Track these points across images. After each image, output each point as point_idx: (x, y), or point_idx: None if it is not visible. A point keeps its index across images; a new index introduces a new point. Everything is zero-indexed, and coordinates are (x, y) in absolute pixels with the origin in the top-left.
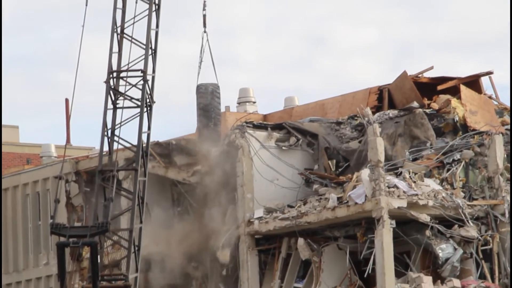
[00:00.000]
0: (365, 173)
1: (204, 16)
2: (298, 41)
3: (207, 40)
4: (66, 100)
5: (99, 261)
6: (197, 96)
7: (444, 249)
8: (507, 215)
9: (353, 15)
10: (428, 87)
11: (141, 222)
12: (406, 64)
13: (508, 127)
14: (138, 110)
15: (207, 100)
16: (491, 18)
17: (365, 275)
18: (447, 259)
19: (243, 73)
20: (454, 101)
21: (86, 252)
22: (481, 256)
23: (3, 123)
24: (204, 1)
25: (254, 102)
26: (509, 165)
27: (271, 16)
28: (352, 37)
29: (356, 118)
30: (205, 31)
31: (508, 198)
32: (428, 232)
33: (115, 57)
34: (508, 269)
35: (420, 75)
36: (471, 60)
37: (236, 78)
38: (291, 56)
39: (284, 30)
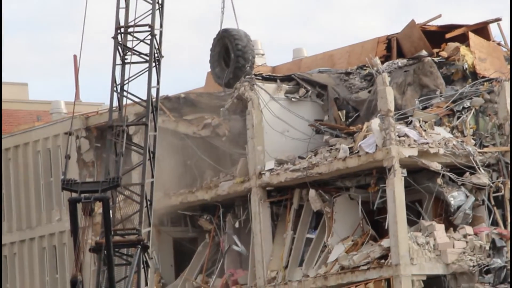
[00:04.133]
0: (375, 122)
1: None
2: None
3: None
4: (74, 57)
5: (111, 216)
6: (230, 39)
7: (456, 197)
8: None
9: None
10: (436, 36)
11: (152, 176)
12: (409, 16)
13: None
14: (147, 65)
15: (243, 42)
16: None
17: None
18: (459, 207)
19: (247, 28)
20: (463, 49)
21: (98, 207)
22: (493, 203)
23: (11, 81)
24: None
25: (263, 54)
26: None
27: None
28: None
29: (365, 68)
30: None
31: None
32: (439, 180)
33: (122, 12)
34: None
35: (428, 24)
36: (473, 11)
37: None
38: (293, 13)
39: None
